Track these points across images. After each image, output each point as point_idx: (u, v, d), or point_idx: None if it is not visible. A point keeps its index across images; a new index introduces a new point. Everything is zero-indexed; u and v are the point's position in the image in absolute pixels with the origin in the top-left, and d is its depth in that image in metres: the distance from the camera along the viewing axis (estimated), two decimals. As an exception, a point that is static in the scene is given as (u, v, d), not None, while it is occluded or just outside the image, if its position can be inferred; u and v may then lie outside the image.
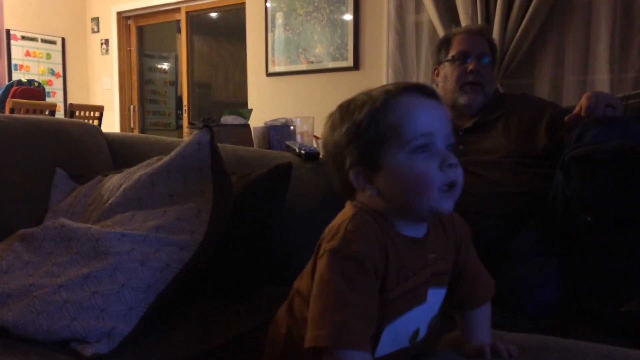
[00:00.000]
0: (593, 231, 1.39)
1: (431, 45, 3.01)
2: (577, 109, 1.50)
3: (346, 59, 3.29)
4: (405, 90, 0.77)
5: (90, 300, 0.92)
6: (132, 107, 5.26)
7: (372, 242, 0.75)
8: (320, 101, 3.36)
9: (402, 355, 0.80)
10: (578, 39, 2.67)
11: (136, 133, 5.22)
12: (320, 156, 1.42)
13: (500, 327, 0.97)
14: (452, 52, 1.85)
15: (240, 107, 4.06)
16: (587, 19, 2.63)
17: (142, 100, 5.42)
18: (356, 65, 3.26)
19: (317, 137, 2.39)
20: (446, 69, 1.86)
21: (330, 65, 3.34)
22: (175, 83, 5.94)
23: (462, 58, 1.83)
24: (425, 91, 0.78)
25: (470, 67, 1.80)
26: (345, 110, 0.79)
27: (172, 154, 1.22)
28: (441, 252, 0.83)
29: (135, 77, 5.29)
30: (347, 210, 0.80)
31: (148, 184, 1.18)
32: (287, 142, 1.47)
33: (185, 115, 4.77)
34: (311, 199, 1.36)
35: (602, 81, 2.60)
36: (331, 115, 0.83)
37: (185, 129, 1.89)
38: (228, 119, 1.94)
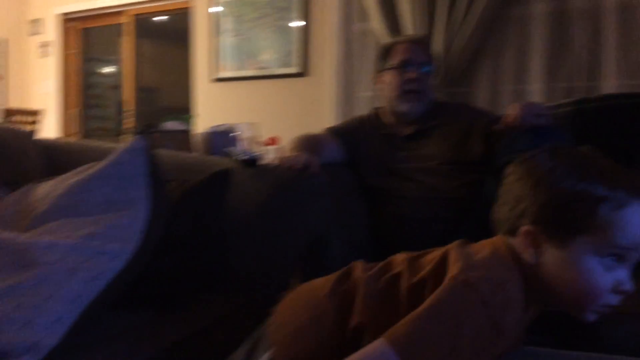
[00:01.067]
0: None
1: (376, 53, 3.07)
2: (508, 118, 1.57)
3: (293, 65, 3.31)
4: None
5: (14, 313, 0.89)
6: (74, 111, 5.11)
7: (517, 315, 0.68)
8: (268, 107, 3.36)
9: None
10: (514, 51, 2.77)
11: (79, 138, 5.07)
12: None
13: None
14: (393, 60, 1.89)
15: (186, 112, 4.02)
16: (523, 32, 2.74)
17: (85, 104, 5.27)
18: (304, 72, 3.28)
19: (263, 143, 2.38)
20: (387, 76, 1.90)
21: (278, 71, 3.35)
22: (118, 88, 5.81)
23: (402, 66, 1.87)
24: None
25: (411, 75, 1.84)
26: (576, 169, 0.70)
27: (107, 160, 1.20)
28: None
29: (78, 81, 5.14)
30: (504, 254, 0.73)
31: (81, 191, 1.15)
32: (227, 148, 1.47)
33: (126, 120, 4.66)
34: (252, 206, 1.36)
35: (536, 91, 2.71)
36: (556, 156, 0.73)
37: (125, 135, 1.86)
38: (169, 125, 1.91)
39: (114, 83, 5.86)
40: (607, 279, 0.68)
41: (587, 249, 0.68)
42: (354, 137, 1.92)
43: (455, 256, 0.73)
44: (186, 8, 3.81)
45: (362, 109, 3.08)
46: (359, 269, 0.86)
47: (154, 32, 5.30)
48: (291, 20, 3.29)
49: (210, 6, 3.52)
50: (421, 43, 1.96)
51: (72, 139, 4.45)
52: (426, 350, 0.64)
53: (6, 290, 0.92)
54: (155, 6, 4.29)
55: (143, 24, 4.83)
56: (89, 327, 0.98)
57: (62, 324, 0.92)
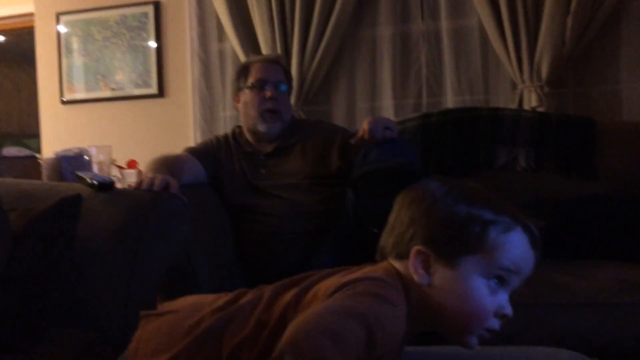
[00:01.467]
0: (378, 241, 1.53)
1: (234, 73, 3.08)
2: (360, 132, 1.66)
3: (150, 86, 3.21)
4: (524, 227, 0.74)
5: None
6: None
7: (391, 338, 0.69)
8: (124, 130, 3.22)
9: None
10: (366, 70, 2.94)
11: None
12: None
13: None
14: (251, 80, 1.92)
15: (32, 137, 3.72)
16: (372, 52, 2.91)
17: None
18: (161, 93, 3.20)
19: (121, 167, 2.28)
20: (246, 95, 1.92)
21: (134, 92, 3.23)
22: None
23: (260, 85, 1.90)
24: (536, 240, 0.76)
25: (268, 94, 1.88)
26: (465, 196, 0.74)
27: None
28: None
29: None
30: (392, 275, 0.74)
31: None
32: (77, 173, 1.39)
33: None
34: (107, 232, 1.30)
35: (387, 107, 2.89)
36: (447, 183, 0.77)
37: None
38: (11, 151, 1.76)
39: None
40: (491, 301, 0.72)
41: (475, 269, 0.71)
42: (214, 157, 1.91)
43: (335, 280, 0.74)
44: (29, 27, 3.55)
45: (224, 130, 3.08)
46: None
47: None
48: (145, 39, 3.20)
49: (55, 25, 3.31)
50: (277, 62, 2.01)
51: None
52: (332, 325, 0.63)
53: None
54: (-8, 24, 3.94)
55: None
56: None
57: None
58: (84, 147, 1.80)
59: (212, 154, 1.92)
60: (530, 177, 1.96)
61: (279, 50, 2.88)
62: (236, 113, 3.06)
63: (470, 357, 0.87)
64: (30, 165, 1.75)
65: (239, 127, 2.02)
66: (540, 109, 2.44)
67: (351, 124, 2.81)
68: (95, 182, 1.33)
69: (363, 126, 1.65)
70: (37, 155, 1.87)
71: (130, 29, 3.25)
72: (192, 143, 3.07)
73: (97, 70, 3.30)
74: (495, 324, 0.73)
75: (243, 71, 1.98)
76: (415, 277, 0.73)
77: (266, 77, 1.92)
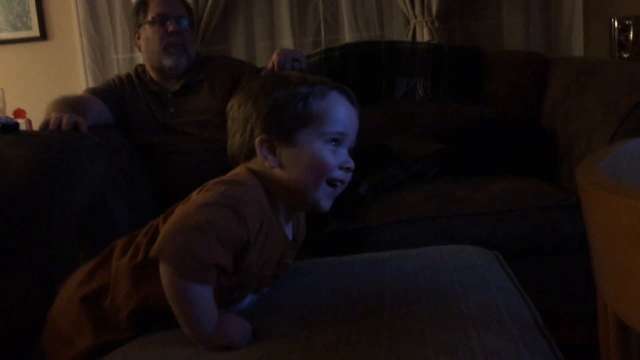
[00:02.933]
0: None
1: (125, 11, 2.91)
2: (269, 65, 1.69)
3: (30, 28, 2.96)
4: (338, 89, 0.84)
5: None
6: None
7: (256, 210, 0.77)
8: (5, 76, 2.97)
9: None
10: (263, 9, 2.91)
11: None
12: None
13: None
14: (151, 14, 1.85)
15: None
16: (269, -10, 2.89)
17: None
18: (43, 35, 2.97)
19: (18, 114, 2.13)
20: (147, 31, 1.86)
21: (11, 36, 2.97)
22: None
23: (161, 20, 1.84)
24: (351, 98, 0.85)
25: (171, 28, 1.83)
26: (279, 81, 0.83)
27: None
28: (290, 258, 0.90)
29: None
30: (246, 172, 0.82)
31: None
32: (-25, 116, 1.30)
33: None
34: (18, 175, 1.25)
35: (287, 45, 2.89)
36: (259, 81, 0.85)
37: None
38: None
39: None
40: (334, 158, 0.82)
41: (312, 138, 0.81)
42: (119, 96, 1.85)
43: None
44: None
45: (118, 72, 2.94)
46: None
47: None
48: (20, -23, 2.93)
49: None
50: (176, -3, 1.95)
51: None
52: (191, 245, 0.71)
53: None
54: None
55: None
56: None
57: None
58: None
59: (116, 93, 1.86)
60: (428, 105, 2.09)
61: (170, -13, 2.76)
62: (129, 55, 2.95)
63: (390, 259, 0.98)
64: None
65: (142, 65, 1.96)
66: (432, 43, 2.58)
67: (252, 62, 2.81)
68: (0, 124, 1.26)
69: (272, 58, 1.68)
70: None
71: (0, -36, 2.95)
72: (82, 88, 2.90)
73: (-33, 12, 2.99)
74: (340, 174, 0.83)
75: (142, 6, 1.90)
76: (267, 164, 0.82)
77: (167, 11, 1.86)
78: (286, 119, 0.81)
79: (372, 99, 2.13)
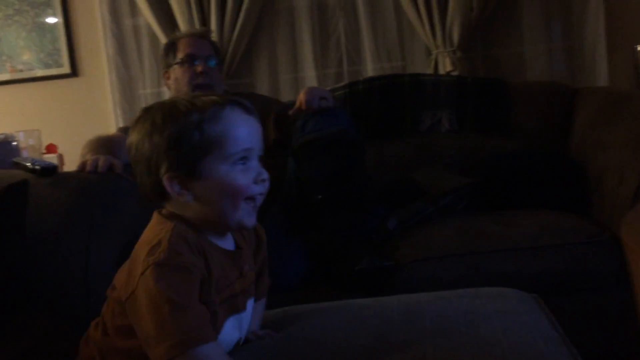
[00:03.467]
0: (324, 207, 1.61)
1: (152, 48, 3.00)
2: (297, 103, 1.71)
3: (61, 65, 3.05)
4: (230, 105, 0.80)
5: None
6: None
7: (195, 252, 0.76)
8: (37, 113, 3.05)
9: None
10: (286, 41, 2.97)
11: None
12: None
13: None
14: (180, 55, 1.90)
15: None
16: (291, 22, 2.94)
17: None
18: (74, 72, 3.05)
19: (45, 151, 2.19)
20: (176, 72, 1.91)
21: (44, 73, 3.06)
22: None
23: (189, 61, 1.89)
24: (246, 107, 0.81)
25: (199, 68, 1.88)
26: (168, 113, 0.78)
27: None
28: (250, 263, 0.89)
29: None
30: (160, 222, 0.80)
31: None
32: (15, 159, 1.34)
33: None
34: (55, 216, 1.27)
35: (310, 77, 2.94)
36: (148, 115, 0.80)
37: None
38: None
39: None
40: (245, 176, 0.79)
41: (218, 164, 0.78)
42: (150, 135, 1.89)
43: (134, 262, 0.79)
44: None
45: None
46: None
47: None
48: (50, 16, 3.03)
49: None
50: (204, 37, 2.00)
51: None
52: (177, 323, 0.71)
53: None
54: None
55: None
56: None
57: None
58: (8, 132, 1.72)
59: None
60: (454, 138, 2.10)
61: (196, 25, 2.84)
62: (157, 90, 3.02)
63: (429, 302, 0.97)
64: (-48, 155, 1.65)
65: (171, 104, 2.00)
66: (454, 73, 2.60)
67: (276, 95, 2.85)
68: (37, 167, 1.29)
69: (300, 97, 1.70)
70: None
71: (33, 5, 3.06)
72: (112, 123, 2.98)
73: (2, 51, 3.09)
74: (257, 189, 0.81)
75: (171, 47, 1.95)
76: (182, 199, 0.79)
77: (195, 52, 1.91)
78: (186, 153, 0.77)
79: (396, 132, 2.15)
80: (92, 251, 1.27)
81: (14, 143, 1.64)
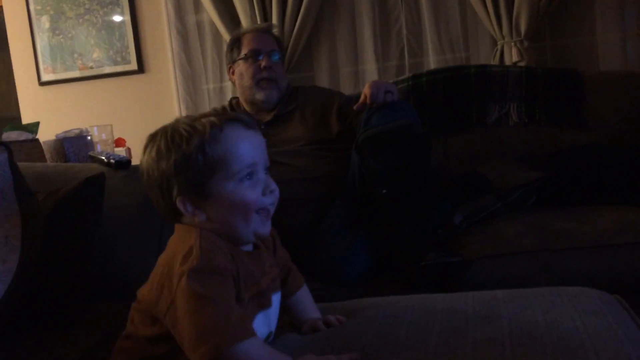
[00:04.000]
0: (388, 201, 1.59)
1: (215, 44, 3.05)
2: (362, 98, 1.69)
3: (129, 62, 3.15)
4: (228, 123, 0.81)
5: None
6: None
7: (226, 255, 0.78)
8: (107, 108, 3.17)
9: None
10: (346, 35, 2.95)
11: None
12: (142, 178, 1.37)
13: (322, 300, 1.07)
14: (244, 51, 1.92)
15: (8, 121, 3.62)
16: (352, 15, 2.92)
17: None
18: (141, 69, 3.15)
19: (119, 142, 2.27)
20: (240, 67, 1.93)
21: (113, 69, 3.17)
22: None
23: (254, 56, 1.91)
24: (245, 123, 0.83)
25: (263, 63, 1.89)
26: (171, 140, 0.80)
27: (-36, 178, 1.08)
28: (270, 260, 0.90)
29: None
30: (186, 231, 0.82)
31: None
32: (91, 153, 1.40)
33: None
34: (128, 208, 1.32)
35: (370, 71, 2.92)
36: (154, 143, 0.83)
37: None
38: (12, 135, 1.73)
39: None
40: (254, 191, 0.81)
41: (225, 183, 0.80)
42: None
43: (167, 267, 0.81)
44: (-3, 7, 3.43)
45: (208, 102, 3.07)
46: None
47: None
48: (119, 14, 3.13)
49: (24, 3, 3.20)
50: (268, 32, 2.01)
51: None
52: (217, 323, 0.73)
53: None
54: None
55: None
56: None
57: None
58: (83, 128, 1.79)
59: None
60: (523, 131, 2.03)
61: (258, 20, 2.86)
62: (219, 85, 3.07)
63: (505, 300, 0.94)
64: (32, 149, 1.74)
65: (236, 98, 2.03)
66: (521, 64, 2.51)
67: (336, 88, 2.83)
68: (112, 161, 1.34)
69: (365, 91, 1.68)
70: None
71: (102, 4, 3.17)
72: (176, 116, 3.04)
73: (73, 49, 3.22)
74: (268, 200, 0.82)
75: (235, 43, 1.98)
76: (197, 219, 0.81)
77: (259, 47, 1.93)
78: (193, 176, 0.79)
79: (462, 125, 2.10)
80: (164, 240, 1.30)
81: (89, 137, 1.71)
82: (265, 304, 0.86)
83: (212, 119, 0.81)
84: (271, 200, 0.83)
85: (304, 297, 1.00)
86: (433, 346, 0.80)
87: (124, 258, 1.27)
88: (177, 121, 0.83)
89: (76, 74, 3.23)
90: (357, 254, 1.58)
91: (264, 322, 0.87)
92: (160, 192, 0.82)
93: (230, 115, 0.84)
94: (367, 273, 1.57)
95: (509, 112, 2.07)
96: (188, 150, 0.79)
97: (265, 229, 0.84)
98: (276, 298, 0.90)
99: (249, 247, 0.87)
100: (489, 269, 1.44)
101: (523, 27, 2.55)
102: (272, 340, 0.90)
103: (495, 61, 2.63)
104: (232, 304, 0.76)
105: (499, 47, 2.63)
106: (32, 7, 3.23)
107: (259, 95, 1.90)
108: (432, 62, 2.80)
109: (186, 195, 0.80)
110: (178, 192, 0.80)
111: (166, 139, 0.81)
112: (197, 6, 3.04)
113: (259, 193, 0.81)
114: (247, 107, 1.96)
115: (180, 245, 0.80)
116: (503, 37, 2.60)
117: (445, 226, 1.63)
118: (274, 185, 0.84)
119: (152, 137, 0.83)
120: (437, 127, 2.08)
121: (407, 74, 2.46)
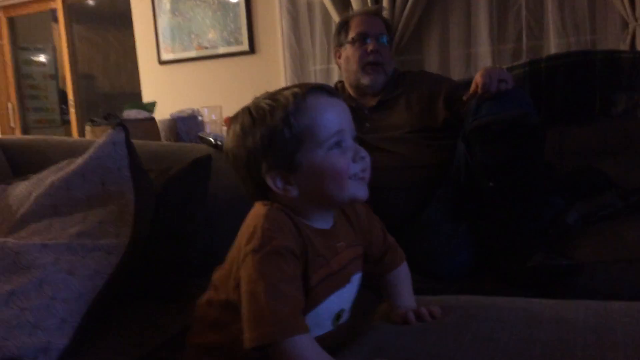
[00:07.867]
0: (495, 195, 1.51)
1: (324, 26, 3.06)
2: (473, 86, 1.61)
3: (241, 43, 3.25)
4: (311, 92, 0.80)
5: (19, 318, 0.87)
6: (9, 105, 4.84)
7: (289, 234, 0.78)
8: (218, 88, 3.30)
9: (328, 339, 0.83)
10: (459, 15, 2.83)
11: (18, 133, 4.81)
12: (229, 160, 1.41)
13: (419, 292, 1.04)
14: (352, 34, 1.90)
15: (131, 97, 3.89)
16: (466, -4, 2.80)
17: (20, 96, 5.00)
18: (252, 49, 3.24)
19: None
20: (347, 50, 1.91)
21: (226, 50, 3.29)
22: (55, 76, 5.53)
23: (361, 39, 1.88)
24: (328, 91, 0.82)
25: (370, 47, 1.86)
26: (256, 116, 0.80)
27: (86, 155, 1.16)
28: (349, 240, 0.88)
29: (10, 73, 4.86)
30: (258, 209, 0.82)
31: (62, 189, 1.12)
32: (200, 134, 1.45)
33: (72, 110, 4.46)
34: (232, 189, 1.34)
35: (484, 53, 2.78)
36: (237, 122, 0.83)
37: (86, 126, 1.76)
38: (131, 114, 1.85)
39: (50, 72, 5.59)
40: (344, 158, 0.80)
41: (314, 153, 0.78)
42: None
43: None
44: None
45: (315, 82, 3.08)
46: None
47: (88, 16, 5.07)
48: (234, -4, 3.23)
49: (147, -14, 3.40)
50: (377, 15, 1.97)
51: (34, 137, 4.24)
52: (272, 312, 0.73)
53: (6, 297, 0.89)
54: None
55: (76, 8, 4.60)
56: (96, 323, 0.97)
57: (70, 323, 0.90)
58: (195, 108, 1.87)
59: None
60: (654, 125, 1.84)
61: (368, 2, 2.82)
62: (326, 66, 3.08)
63: (621, 314, 0.86)
64: (149, 127, 1.85)
65: (341, 82, 2.02)
66: (657, 49, 2.27)
67: (445, 72, 2.74)
68: (220, 143, 1.38)
69: (476, 79, 1.60)
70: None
71: (218, -14, 3.28)
72: (284, 98, 3.10)
73: (190, 30, 3.37)
74: (359, 167, 0.81)
75: (343, 26, 1.95)
76: (288, 195, 0.80)
77: (367, 30, 1.89)
78: (281, 150, 0.78)
79: (583, 116, 1.93)
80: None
81: (200, 118, 1.78)
82: (338, 285, 0.85)
83: (295, 89, 0.81)
84: (362, 166, 0.82)
85: (402, 279, 0.98)
86: (535, 357, 0.75)
87: (227, 237, 1.31)
88: (256, 98, 0.84)
89: (192, 54, 3.38)
90: (458, 248, 1.53)
91: (336, 301, 0.85)
92: (247, 171, 0.82)
93: (311, 84, 0.83)
94: (467, 269, 1.51)
95: (638, 103, 1.88)
96: (273, 123, 0.78)
97: (362, 192, 0.82)
98: (356, 277, 0.89)
99: (326, 225, 0.86)
100: (604, 276, 1.33)
101: (661, 8, 2.31)
102: (345, 319, 0.89)
103: (625, 46, 2.40)
104: (291, 291, 0.75)
105: (630, 30, 2.40)
106: (154, -11, 3.42)
107: (365, 80, 1.87)
108: (552, 45, 2.62)
109: (275, 170, 0.79)
110: (267, 168, 0.79)
111: (250, 116, 0.81)
112: (310, -14, 3.06)
113: (349, 160, 0.80)
114: (351, 91, 1.94)
115: (249, 224, 0.81)
116: (636, 19, 2.37)
117: (556, 225, 1.52)
118: (363, 152, 0.82)
119: (234, 118, 0.84)
120: (553, 117, 1.94)
121: (523, 59, 2.31)
